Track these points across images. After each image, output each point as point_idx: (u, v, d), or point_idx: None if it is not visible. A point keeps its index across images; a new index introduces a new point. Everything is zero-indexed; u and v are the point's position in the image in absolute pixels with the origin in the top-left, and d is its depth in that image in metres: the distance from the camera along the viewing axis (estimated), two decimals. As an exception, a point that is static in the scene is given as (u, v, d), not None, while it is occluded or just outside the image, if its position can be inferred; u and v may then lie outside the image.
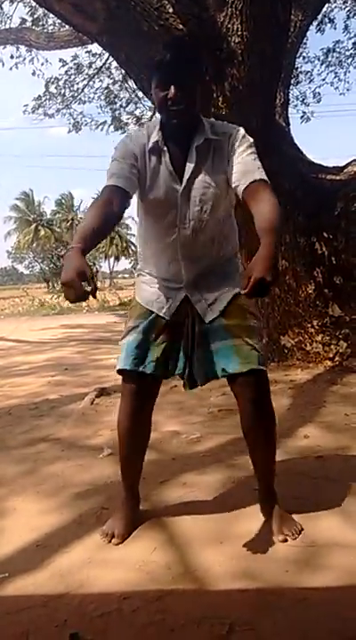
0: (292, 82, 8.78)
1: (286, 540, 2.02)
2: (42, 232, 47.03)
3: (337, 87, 10.75)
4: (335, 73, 10.41)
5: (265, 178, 1.89)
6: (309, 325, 5.03)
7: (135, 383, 2.08)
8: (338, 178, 5.41)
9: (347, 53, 10.17)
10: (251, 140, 1.96)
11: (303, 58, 10.09)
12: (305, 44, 9.96)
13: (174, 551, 2.04)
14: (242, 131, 1.97)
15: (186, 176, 1.92)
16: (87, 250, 1.70)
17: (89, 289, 1.64)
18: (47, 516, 2.39)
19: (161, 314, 2.06)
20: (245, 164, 1.90)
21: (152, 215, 2.02)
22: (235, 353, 1.98)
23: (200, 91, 1.93)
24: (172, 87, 1.82)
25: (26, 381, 5.74)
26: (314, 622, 1.61)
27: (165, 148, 1.93)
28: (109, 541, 2.09)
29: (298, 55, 8.66)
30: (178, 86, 1.82)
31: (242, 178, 1.88)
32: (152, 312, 2.07)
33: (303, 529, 2.09)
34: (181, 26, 4.28)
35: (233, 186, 1.92)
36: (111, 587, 1.83)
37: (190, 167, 1.92)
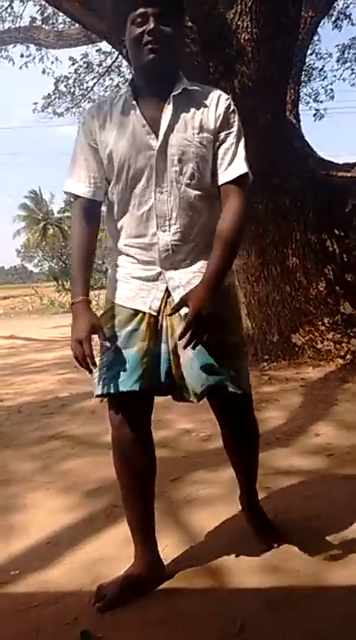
0: (304, 79, 8.75)
1: (270, 549, 1.97)
2: (50, 230, 47.15)
3: (354, 84, 10.68)
4: (352, 69, 10.33)
5: (242, 172, 1.72)
6: (320, 323, 5.01)
7: (130, 405, 1.76)
8: (349, 175, 5.38)
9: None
10: (237, 115, 1.77)
11: (316, 54, 10.04)
12: (318, 40, 9.88)
13: (185, 548, 2.03)
14: (229, 99, 1.76)
15: (162, 129, 1.66)
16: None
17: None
18: (58, 513, 2.40)
19: (146, 309, 1.74)
20: (227, 153, 1.73)
21: (123, 182, 1.72)
22: (198, 367, 1.66)
23: (179, 36, 1.77)
24: (151, 19, 1.62)
25: (36, 379, 5.76)
26: (327, 621, 1.60)
27: (135, 102, 1.70)
28: (94, 604, 1.73)
29: (310, 52, 8.62)
30: (158, 19, 1.62)
31: (217, 173, 1.74)
32: (136, 311, 1.75)
33: (285, 535, 2.02)
34: (190, 23, 4.26)
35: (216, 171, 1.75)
36: (122, 584, 1.83)
37: (166, 118, 1.67)
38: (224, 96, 1.77)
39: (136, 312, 1.75)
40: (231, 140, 1.74)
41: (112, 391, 1.71)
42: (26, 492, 2.66)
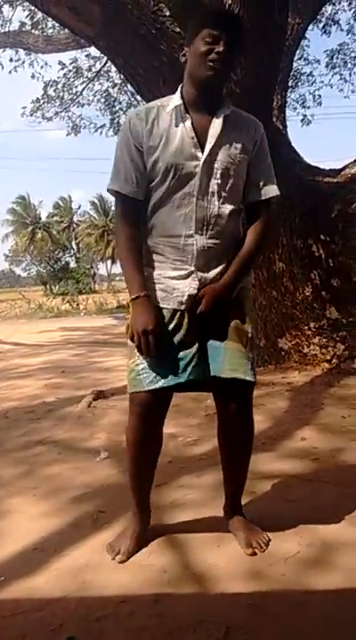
0: (291, 84, 8.80)
1: (255, 554, 1.98)
2: (39, 235, 47.08)
3: (342, 89, 10.76)
4: (341, 75, 10.40)
5: (275, 194, 1.97)
6: (306, 328, 5.04)
7: (156, 400, 1.93)
8: (335, 180, 5.43)
9: (352, 55, 10.18)
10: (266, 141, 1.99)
11: (305, 60, 10.11)
12: (307, 45, 9.95)
13: (171, 554, 2.04)
14: (262, 128, 1.98)
15: (210, 144, 1.83)
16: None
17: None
18: (44, 519, 2.39)
19: (182, 307, 1.89)
20: (263, 174, 1.96)
21: (166, 185, 1.85)
22: (225, 356, 1.89)
23: (235, 64, 1.91)
24: (222, 43, 1.75)
25: (23, 384, 5.72)
26: (311, 626, 1.61)
27: (188, 115, 1.84)
28: (113, 558, 2.00)
29: (298, 58, 8.67)
30: (228, 45, 1.76)
31: (254, 191, 1.95)
32: (172, 311, 1.90)
33: (270, 539, 2.05)
34: (178, 29, 4.28)
35: (247, 189, 1.96)
36: (108, 590, 1.83)
37: (214, 134, 1.83)
38: (261, 125, 1.98)
39: (173, 313, 1.90)
40: (266, 163, 1.97)
41: (158, 386, 1.87)
42: (11, 497, 2.65)
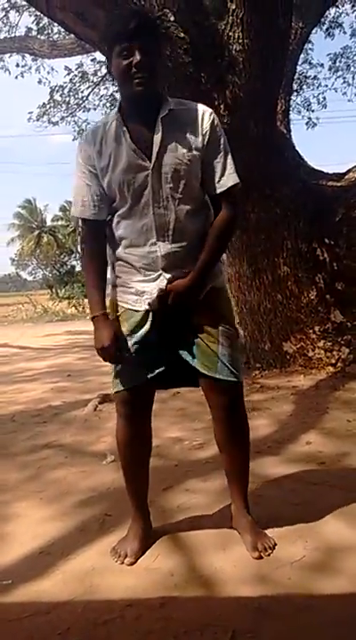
0: (295, 88, 8.79)
1: (261, 558, 1.98)
2: (45, 239, 47.17)
3: (345, 93, 10.72)
4: (344, 78, 10.37)
5: (235, 182, 1.92)
6: (311, 331, 5.04)
7: (135, 398, 2.04)
8: (339, 184, 5.43)
9: (355, 58, 10.15)
10: (221, 128, 1.94)
11: (309, 64, 10.10)
12: (311, 49, 9.93)
13: (177, 558, 2.04)
14: (212, 114, 1.92)
15: (154, 150, 1.82)
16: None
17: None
18: (50, 522, 2.40)
19: (152, 308, 1.93)
20: (217, 166, 1.90)
21: (125, 201, 1.89)
22: (198, 353, 1.96)
23: (160, 63, 1.92)
24: (136, 52, 1.74)
25: (29, 388, 5.75)
26: (317, 630, 1.61)
27: (125, 128, 1.84)
28: (122, 562, 2.02)
29: (302, 61, 8.67)
30: (143, 52, 1.74)
31: (211, 185, 1.92)
32: (145, 312, 1.95)
33: (276, 544, 2.05)
34: (182, 34, 4.30)
35: (208, 182, 1.93)
36: (114, 594, 1.84)
37: (157, 140, 1.82)
38: (208, 111, 1.92)
39: (146, 314, 1.95)
40: (221, 153, 1.91)
41: (132, 385, 1.99)
42: (18, 500, 2.66)
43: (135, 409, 2.07)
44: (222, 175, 1.91)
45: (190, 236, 1.91)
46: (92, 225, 1.98)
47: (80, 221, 1.99)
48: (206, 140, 1.88)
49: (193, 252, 1.91)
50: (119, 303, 2.01)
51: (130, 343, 1.96)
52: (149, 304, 1.93)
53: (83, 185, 1.94)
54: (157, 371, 1.99)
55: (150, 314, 1.95)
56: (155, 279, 1.92)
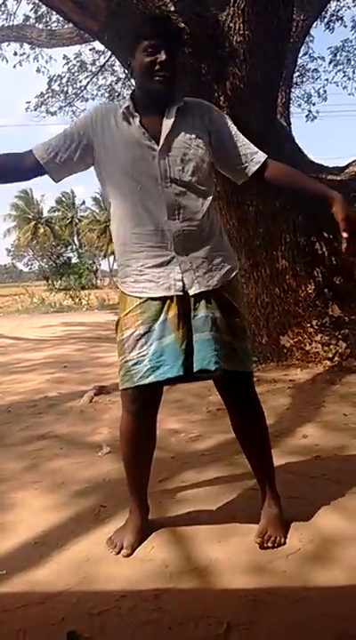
0: (296, 81, 8.76)
1: (261, 546, 1.99)
2: (41, 230, 47.07)
3: (346, 86, 10.70)
4: (344, 72, 10.35)
5: (262, 159, 2.02)
6: (308, 325, 5.03)
7: (148, 395, 1.98)
8: (339, 178, 5.41)
9: (356, 52, 10.12)
10: (228, 117, 2.06)
11: (309, 56, 10.07)
12: (311, 41, 9.90)
13: (173, 549, 2.04)
14: (212, 106, 2.05)
15: (164, 133, 1.88)
16: None
17: None
18: (46, 513, 2.40)
19: (172, 292, 1.88)
20: (246, 147, 2.01)
21: (130, 179, 1.89)
22: (214, 348, 1.86)
23: (180, 62, 1.98)
24: (162, 51, 1.83)
25: (25, 379, 5.74)
26: (312, 622, 1.61)
27: (136, 113, 1.91)
28: (118, 553, 2.02)
29: (303, 54, 8.64)
30: (168, 52, 1.83)
31: (249, 160, 2.00)
32: (163, 303, 1.89)
33: (284, 543, 2.03)
34: (182, 24, 4.27)
35: (239, 168, 2.01)
36: (109, 585, 1.84)
37: (168, 124, 1.88)
38: (211, 106, 2.06)
39: (163, 303, 1.89)
40: (236, 139, 2.01)
41: (148, 382, 1.88)
42: (14, 491, 2.66)
43: (146, 406, 2.02)
44: (252, 157, 2.01)
45: (201, 219, 1.92)
46: (31, 158, 1.95)
47: (32, 153, 1.96)
48: (214, 128, 1.98)
49: (205, 236, 1.93)
50: (132, 294, 1.94)
51: (146, 341, 1.89)
52: (168, 288, 1.88)
53: (62, 135, 1.97)
54: (176, 371, 1.85)
55: (168, 302, 1.88)
56: (168, 262, 1.89)
